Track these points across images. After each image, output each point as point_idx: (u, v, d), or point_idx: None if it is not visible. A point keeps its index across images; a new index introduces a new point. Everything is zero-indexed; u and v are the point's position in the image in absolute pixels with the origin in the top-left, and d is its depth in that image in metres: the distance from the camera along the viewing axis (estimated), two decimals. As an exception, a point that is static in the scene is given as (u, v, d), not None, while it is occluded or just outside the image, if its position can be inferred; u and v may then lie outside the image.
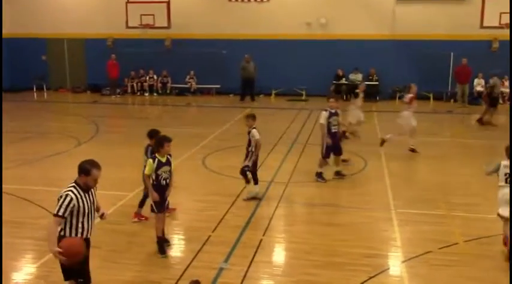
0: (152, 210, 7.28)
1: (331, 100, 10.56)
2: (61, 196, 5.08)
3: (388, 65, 22.28)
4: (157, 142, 7.13)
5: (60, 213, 5.04)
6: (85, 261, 5.34)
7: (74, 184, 5.18)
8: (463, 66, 21.07)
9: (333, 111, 10.45)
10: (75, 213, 5.10)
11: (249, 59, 22.13)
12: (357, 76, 22.93)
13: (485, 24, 21.36)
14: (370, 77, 22.70)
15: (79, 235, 5.17)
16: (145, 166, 7.26)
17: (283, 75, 23.09)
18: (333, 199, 9.58)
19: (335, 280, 6.39)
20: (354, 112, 12.82)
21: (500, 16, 20.94)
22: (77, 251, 5.03)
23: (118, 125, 17.43)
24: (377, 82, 22.59)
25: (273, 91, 23.67)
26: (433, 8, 21.99)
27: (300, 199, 9.78)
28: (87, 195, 5.18)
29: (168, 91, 24.31)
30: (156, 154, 7.08)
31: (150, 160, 7.09)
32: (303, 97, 23.10)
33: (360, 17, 22.53)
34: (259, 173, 11.08)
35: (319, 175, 10.61)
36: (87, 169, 5.17)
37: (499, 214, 7.17)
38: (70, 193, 5.08)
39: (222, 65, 23.54)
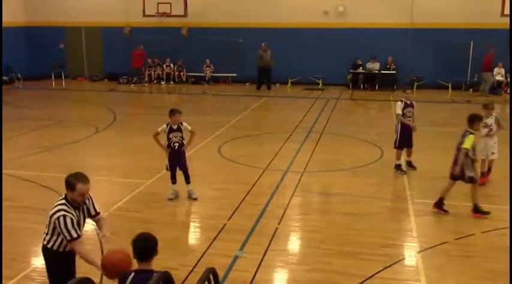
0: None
1: (408, 91, 10.77)
2: (58, 218, 4.55)
3: (406, 53, 22.05)
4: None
5: (75, 235, 4.58)
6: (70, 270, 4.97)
7: (63, 201, 4.67)
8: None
9: (408, 102, 10.48)
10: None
11: (265, 48, 22.04)
12: (374, 65, 22.75)
13: (506, 12, 20.94)
14: (388, 66, 22.50)
15: (50, 246, 4.80)
16: (464, 142, 8.01)
17: (299, 64, 22.98)
18: (349, 188, 9.55)
19: (350, 269, 6.40)
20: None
21: (522, 3, 20.51)
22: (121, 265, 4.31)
23: (135, 113, 17.56)
24: (394, 71, 22.38)
25: (290, 80, 23.59)
26: (452, -4, 21.67)
27: (316, 189, 9.79)
28: (77, 212, 4.72)
29: (184, 80, 24.36)
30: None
31: (472, 136, 8.02)
32: (320, 86, 22.99)
33: (378, 5, 22.27)
34: (275, 161, 11.15)
35: (398, 167, 10.51)
36: (71, 183, 4.61)
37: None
38: (64, 212, 4.58)
39: (238, 54, 23.50)
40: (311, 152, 12.00)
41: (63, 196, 4.73)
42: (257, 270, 6.38)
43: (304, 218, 8.27)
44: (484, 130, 9.61)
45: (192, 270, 6.33)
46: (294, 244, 7.47)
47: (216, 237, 7.33)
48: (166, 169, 8.92)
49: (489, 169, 9.99)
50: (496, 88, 21.38)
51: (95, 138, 13.57)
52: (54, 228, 4.67)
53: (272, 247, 7.04)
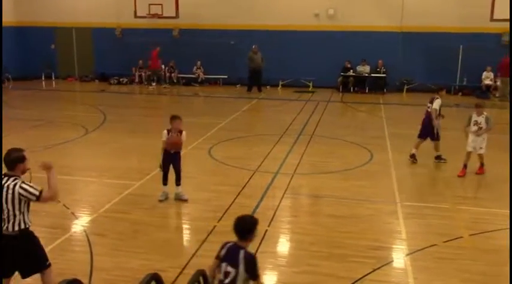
0: None
1: (441, 93, 11.57)
2: (20, 187, 4.92)
3: (396, 57, 22.17)
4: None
5: (39, 189, 4.99)
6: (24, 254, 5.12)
7: (13, 177, 4.99)
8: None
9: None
10: (26, 205, 5.05)
11: (256, 50, 22.07)
12: (364, 68, 22.86)
13: (495, 17, 21.14)
14: (378, 69, 22.61)
15: (27, 226, 5.09)
16: None
17: (290, 66, 23.04)
18: (338, 190, 9.59)
19: (339, 272, 6.42)
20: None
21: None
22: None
23: (125, 114, 17.47)
24: (384, 75, 22.49)
25: (280, 83, 23.63)
26: (442, 0, 21.81)
27: (306, 191, 9.81)
28: None
29: (175, 81, 24.33)
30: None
31: None
32: (310, 89, 23.05)
33: (369, 9, 22.39)
34: (266, 163, 11.17)
35: (439, 157, 11.42)
36: (20, 156, 5.04)
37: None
38: (19, 180, 4.99)
39: (229, 56, 23.51)
40: (301, 154, 12.03)
41: (9, 176, 5.00)
42: (246, 272, 6.38)
43: (294, 221, 8.29)
44: (474, 128, 10.30)
45: (181, 272, 6.32)
46: (284, 246, 7.49)
47: (205, 239, 7.33)
48: (160, 169, 8.85)
49: (482, 164, 10.48)
50: (484, 91, 21.56)
51: (85, 139, 13.51)
52: (20, 201, 4.96)
53: (262, 249, 7.05)
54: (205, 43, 23.57)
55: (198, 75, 24.13)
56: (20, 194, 4.94)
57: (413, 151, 11.42)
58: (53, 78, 25.48)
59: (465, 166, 10.44)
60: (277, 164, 11.12)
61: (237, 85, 23.62)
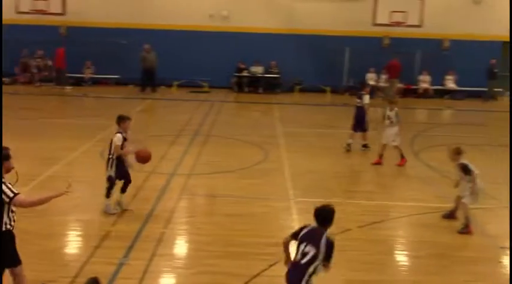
0: None
1: (368, 89, 13.46)
2: (2, 185, 4.86)
3: (288, 58, 22.82)
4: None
5: (16, 191, 4.92)
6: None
7: None
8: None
9: None
10: (6, 206, 4.94)
11: (149, 49, 21.67)
12: (257, 69, 23.30)
13: (377, 21, 22.58)
14: (271, 70, 23.16)
15: (11, 227, 5.04)
16: None
17: (185, 66, 22.84)
18: (234, 190, 9.69)
19: (235, 270, 6.49)
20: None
21: (390, 14, 22.26)
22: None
23: (8, 117, 16.31)
24: (278, 75, 23.09)
25: (175, 83, 23.40)
26: (330, 5, 22.83)
27: (202, 191, 9.82)
28: None
29: (63, 81, 23.13)
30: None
31: None
32: (205, 89, 23.07)
33: (261, 11, 22.85)
34: (161, 165, 11.00)
35: (366, 145, 12.51)
36: (5, 154, 5.04)
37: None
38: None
39: (121, 55, 22.78)
40: (197, 155, 12.01)
41: None
42: (143, 277, 6.26)
43: (190, 221, 8.26)
44: (387, 121, 11.36)
45: (73, 281, 6.04)
46: (181, 247, 7.43)
47: (99, 245, 7.07)
48: (109, 181, 8.17)
49: (401, 156, 11.30)
50: (372, 92, 22.89)
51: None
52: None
53: (158, 252, 6.95)
54: (96, 42, 22.62)
55: (87, 74, 23.18)
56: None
57: (349, 141, 12.46)
58: None
59: (380, 156, 11.33)
60: (173, 165, 11.01)
61: (130, 86, 23.00)
